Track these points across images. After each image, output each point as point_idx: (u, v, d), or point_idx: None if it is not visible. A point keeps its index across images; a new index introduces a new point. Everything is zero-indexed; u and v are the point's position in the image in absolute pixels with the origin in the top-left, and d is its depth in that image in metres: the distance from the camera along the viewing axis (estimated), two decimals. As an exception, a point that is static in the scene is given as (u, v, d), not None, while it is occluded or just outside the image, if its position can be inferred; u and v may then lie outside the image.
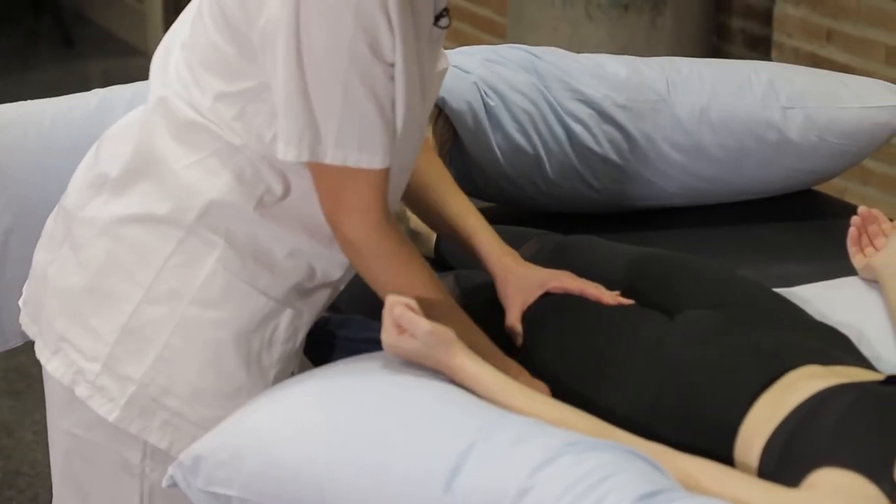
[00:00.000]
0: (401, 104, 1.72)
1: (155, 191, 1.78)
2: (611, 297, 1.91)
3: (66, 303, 1.81)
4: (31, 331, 1.90)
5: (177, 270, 1.77)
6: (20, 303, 1.94)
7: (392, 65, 1.70)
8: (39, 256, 1.90)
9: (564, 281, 1.93)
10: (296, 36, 1.65)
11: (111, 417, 1.77)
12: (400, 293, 1.72)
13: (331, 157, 1.69)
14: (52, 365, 1.81)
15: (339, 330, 1.97)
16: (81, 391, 1.78)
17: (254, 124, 1.74)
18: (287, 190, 1.77)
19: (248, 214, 1.77)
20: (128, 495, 1.81)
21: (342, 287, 1.89)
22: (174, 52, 1.81)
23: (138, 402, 1.77)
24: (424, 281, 1.77)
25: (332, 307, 2.12)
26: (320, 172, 1.72)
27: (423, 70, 1.77)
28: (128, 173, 1.81)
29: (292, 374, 1.85)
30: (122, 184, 1.81)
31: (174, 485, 1.72)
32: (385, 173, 1.72)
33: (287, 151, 1.69)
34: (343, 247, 1.76)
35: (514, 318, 1.93)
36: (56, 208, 1.91)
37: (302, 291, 1.82)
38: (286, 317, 1.81)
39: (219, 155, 1.76)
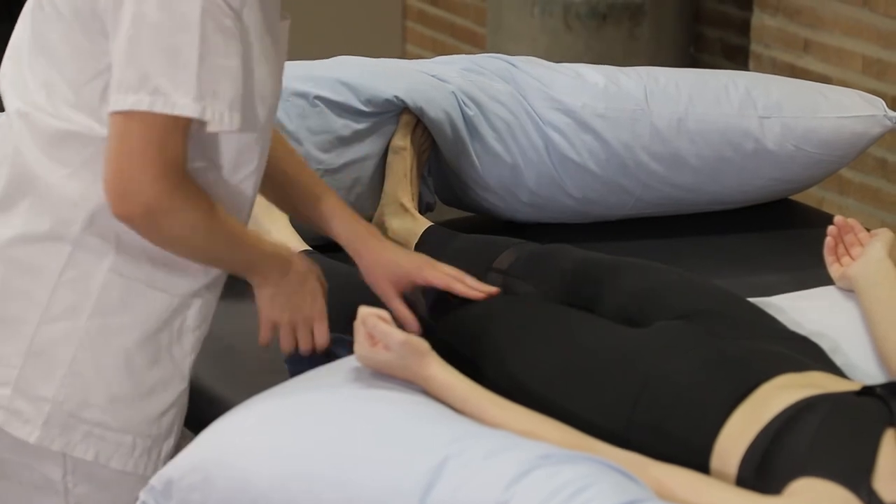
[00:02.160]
0: (261, 68, 1.69)
1: (36, 208, 1.74)
2: (477, 290, 1.92)
3: None
4: None
5: (71, 285, 1.73)
6: None
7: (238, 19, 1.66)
8: None
9: (428, 275, 1.93)
10: None
11: (31, 439, 1.74)
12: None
13: (183, 108, 1.63)
14: None
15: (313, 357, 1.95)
16: None
17: None
18: None
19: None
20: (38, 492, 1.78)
21: None
22: (24, 61, 1.76)
23: (57, 420, 1.74)
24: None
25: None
26: (138, 126, 1.64)
27: (279, 54, 1.76)
28: (6, 194, 1.76)
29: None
30: (1, 206, 1.76)
31: None
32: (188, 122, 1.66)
33: (123, 101, 1.63)
34: (146, 218, 1.68)
35: (399, 306, 1.92)
36: None
37: (207, 282, 1.80)
38: (193, 308, 1.79)
39: (92, 163, 1.71)
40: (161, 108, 1.64)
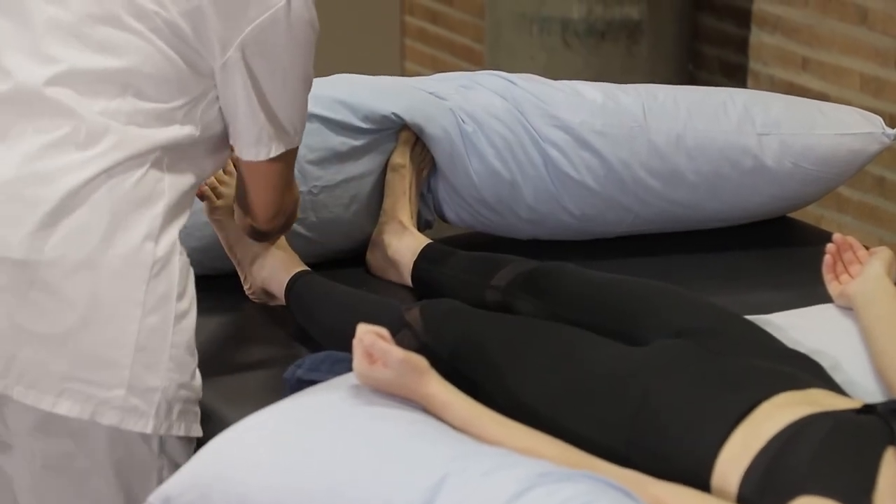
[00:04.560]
0: None
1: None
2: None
3: (62, 345, 1.82)
4: None
5: (160, 276, 1.86)
6: None
7: None
8: None
9: None
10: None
11: (148, 429, 1.85)
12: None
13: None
14: (63, 407, 1.83)
15: (311, 374, 1.96)
16: (110, 419, 1.84)
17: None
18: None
19: (185, 203, 1.94)
20: (146, 483, 1.89)
21: None
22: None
23: (163, 407, 1.86)
24: None
25: (309, 339, 2.13)
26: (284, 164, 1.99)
27: None
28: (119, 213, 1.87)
29: None
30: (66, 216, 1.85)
31: None
32: None
33: (276, 149, 1.97)
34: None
35: None
36: None
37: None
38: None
39: (160, 163, 1.89)
40: (298, 143, 2.00)
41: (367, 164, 2.47)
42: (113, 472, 1.88)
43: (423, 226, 2.54)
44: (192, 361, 1.90)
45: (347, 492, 1.60)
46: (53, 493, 1.90)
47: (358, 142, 2.46)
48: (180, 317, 1.87)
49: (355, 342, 1.72)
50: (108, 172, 1.84)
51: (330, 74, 2.57)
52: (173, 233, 1.89)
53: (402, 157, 2.48)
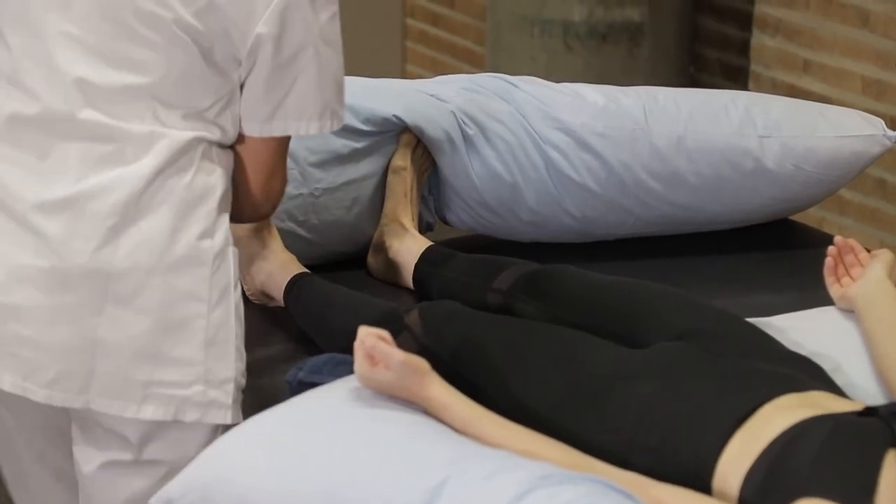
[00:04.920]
0: None
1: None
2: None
3: (138, 351, 1.85)
4: (72, 404, 1.87)
5: (220, 271, 1.88)
6: (31, 385, 1.86)
7: None
8: (64, 332, 1.84)
9: None
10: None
11: (227, 420, 1.88)
12: None
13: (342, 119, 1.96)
14: (147, 412, 1.86)
15: (313, 376, 1.96)
16: (191, 415, 1.87)
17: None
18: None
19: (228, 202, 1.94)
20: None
21: None
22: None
23: (236, 395, 1.90)
24: None
25: (309, 341, 2.12)
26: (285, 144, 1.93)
27: None
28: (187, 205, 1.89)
29: None
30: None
31: None
32: None
33: (306, 127, 1.90)
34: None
35: None
36: (50, 281, 1.84)
37: None
38: None
39: (208, 155, 1.90)
40: (336, 126, 1.93)
41: (368, 167, 2.47)
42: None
43: (424, 228, 2.53)
44: (243, 347, 1.93)
45: (347, 493, 1.60)
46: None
47: (359, 144, 2.46)
48: (238, 306, 1.90)
49: (357, 344, 1.72)
50: (163, 175, 1.85)
51: (331, 76, 2.57)
52: (225, 224, 1.90)
53: (403, 160, 2.48)
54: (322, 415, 1.73)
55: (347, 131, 2.45)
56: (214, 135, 1.88)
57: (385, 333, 1.71)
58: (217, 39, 1.84)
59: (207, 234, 1.87)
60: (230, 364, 1.88)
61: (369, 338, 1.71)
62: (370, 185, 2.48)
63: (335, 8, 1.89)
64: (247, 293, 2.31)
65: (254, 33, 1.83)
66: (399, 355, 1.70)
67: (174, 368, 1.85)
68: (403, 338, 1.97)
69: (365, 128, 2.46)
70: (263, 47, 1.84)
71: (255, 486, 1.66)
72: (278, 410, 1.77)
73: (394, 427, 1.67)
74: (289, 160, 2.02)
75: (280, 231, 2.37)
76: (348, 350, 1.77)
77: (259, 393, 2.02)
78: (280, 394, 1.94)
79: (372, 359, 1.71)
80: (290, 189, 2.30)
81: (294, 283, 2.25)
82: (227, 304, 1.88)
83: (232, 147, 1.93)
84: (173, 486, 1.71)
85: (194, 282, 1.86)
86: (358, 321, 1.82)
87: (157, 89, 1.84)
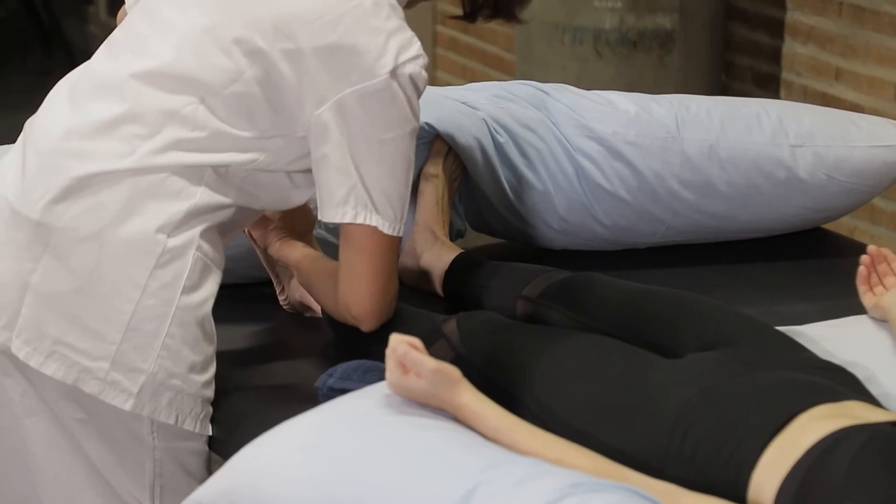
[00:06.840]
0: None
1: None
2: None
3: (58, 309, 1.91)
4: None
5: (168, 269, 1.90)
6: None
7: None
8: (8, 266, 1.94)
9: None
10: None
11: (126, 406, 1.91)
12: None
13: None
14: (50, 368, 1.91)
15: (343, 382, 1.96)
16: (91, 388, 1.91)
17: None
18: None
19: (223, 214, 1.96)
20: (140, 462, 1.95)
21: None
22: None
23: (148, 389, 1.91)
24: None
25: (340, 348, 2.12)
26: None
27: None
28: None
29: None
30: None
31: None
32: None
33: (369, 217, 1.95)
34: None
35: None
36: (10, 217, 1.95)
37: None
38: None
39: (200, 178, 1.93)
40: (393, 228, 1.97)
41: (399, 175, 2.47)
42: (106, 446, 1.95)
43: (454, 236, 2.53)
44: (192, 356, 1.93)
45: (378, 500, 1.60)
46: (66, 457, 1.97)
47: (391, 152, 2.46)
48: (185, 310, 1.91)
49: (388, 352, 1.72)
50: (144, 170, 1.92)
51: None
52: (194, 233, 1.93)
53: (434, 167, 2.48)
54: (352, 421, 1.73)
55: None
56: (236, 161, 1.93)
57: (416, 341, 1.71)
58: (293, 89, 1.91)
59: (166, 230, 1.90)
60: (149, 358, 1.90)
61: (401, 346, 1.71)
62: (401, 193, 2.48)
63: (400, 131, 1.93)
64: (281, 302, 2.31)
65: (328, 103, 1.91)
66: (430, 363, 1.70)
67: (86, 337, 1.90)
68: (440, 346, 1.97)
69: (396, 136, 2.46)
70: (333, 123, 1.91)
71: (284, 492, 1.66)
72: (308, 417, 1.77)
73: (424, 434, 1.67)
74: None
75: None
76: (380, 357, 1.78)
77: (291, 399, 2.02)
78: (312, 400, 1.95)
79: (403, 367, 1.71)
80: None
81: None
82: (166, 301, 1.90)
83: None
84: (203, 491, 1.71)
85: (134, 266, 1.89)
86: (392, 329, 1.82)
87: (207, 91, 1.92)
